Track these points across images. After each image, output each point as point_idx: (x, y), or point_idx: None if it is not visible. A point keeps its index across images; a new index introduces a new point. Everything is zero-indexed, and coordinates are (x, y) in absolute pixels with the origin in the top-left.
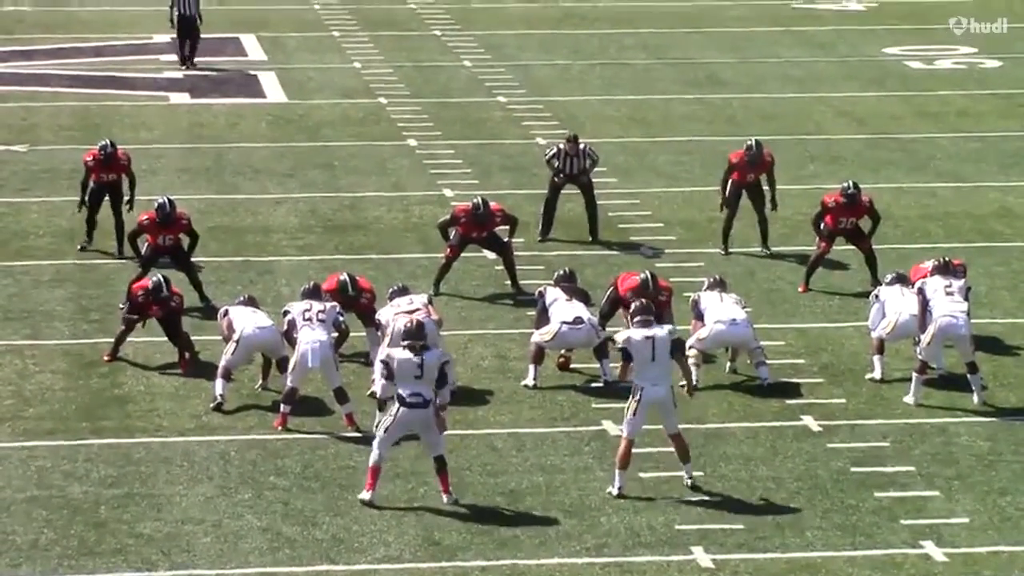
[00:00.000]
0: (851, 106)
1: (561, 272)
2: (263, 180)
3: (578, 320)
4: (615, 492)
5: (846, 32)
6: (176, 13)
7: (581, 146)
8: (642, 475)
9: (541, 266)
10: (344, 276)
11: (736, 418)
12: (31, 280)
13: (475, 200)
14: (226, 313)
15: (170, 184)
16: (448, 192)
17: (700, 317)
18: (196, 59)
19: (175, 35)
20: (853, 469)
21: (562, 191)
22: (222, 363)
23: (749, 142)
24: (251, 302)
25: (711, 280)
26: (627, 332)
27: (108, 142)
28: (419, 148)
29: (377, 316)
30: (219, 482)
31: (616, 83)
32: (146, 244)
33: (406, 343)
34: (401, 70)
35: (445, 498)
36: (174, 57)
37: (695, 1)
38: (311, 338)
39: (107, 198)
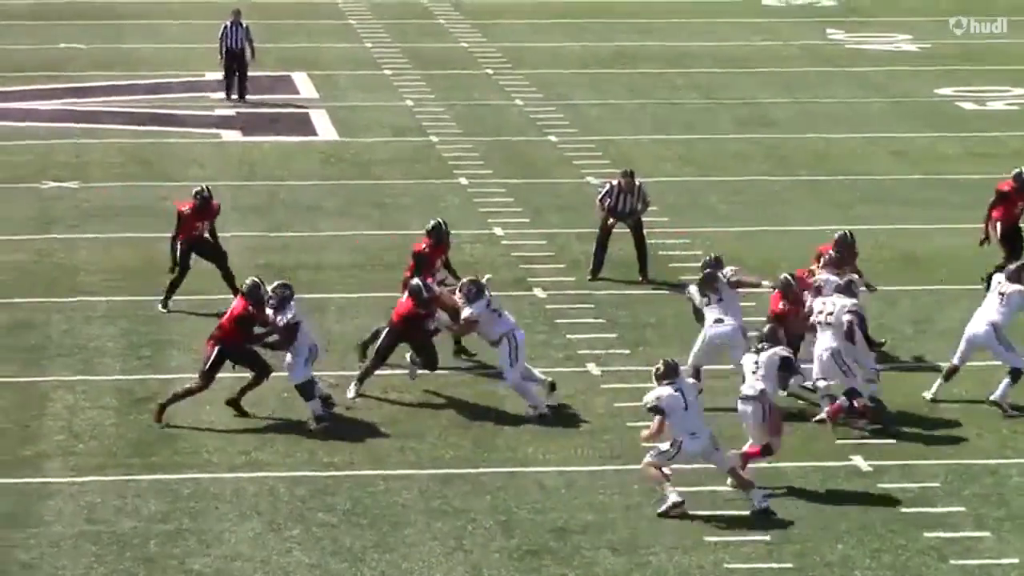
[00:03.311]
0: (903, 146)
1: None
2: (314, 218)
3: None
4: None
5: (898, 72)
6: (224, 47)
7: (637, 183)
8: (693, 513)
9: (591, 304)
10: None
11: (787, 458)
12: (82, 316)
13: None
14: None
15: (222, 222)
16: (499, 231)
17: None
18: (248, 96)
19: (224, 70)
20: (903, 509)
21: (613, 231)
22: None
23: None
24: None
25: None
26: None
27: (204, 187)
28: (470, 186)
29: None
30: (268, 518)
31: (668, 122)
32: (178, 242)
33: None
34: (453, 108)
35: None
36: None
37: (747, 41)
38: None
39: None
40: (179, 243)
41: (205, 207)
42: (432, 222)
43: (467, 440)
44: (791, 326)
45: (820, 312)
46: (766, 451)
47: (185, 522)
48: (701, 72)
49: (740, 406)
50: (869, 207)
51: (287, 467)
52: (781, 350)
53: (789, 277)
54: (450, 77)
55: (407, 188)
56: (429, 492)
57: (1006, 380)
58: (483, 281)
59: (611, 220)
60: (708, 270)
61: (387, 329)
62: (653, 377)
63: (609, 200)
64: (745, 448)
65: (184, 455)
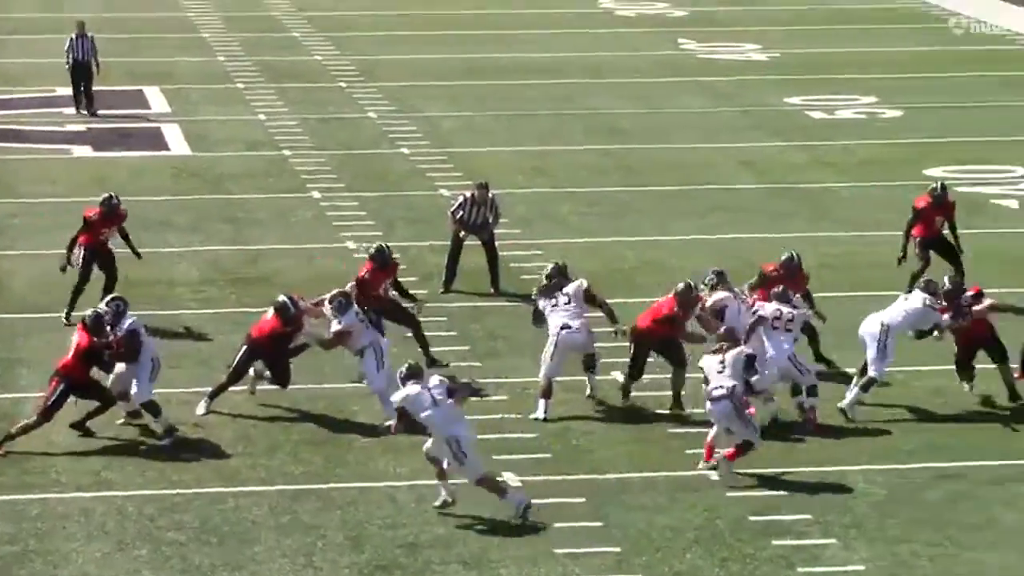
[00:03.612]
0: (753, 156)
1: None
2: (166, 233)
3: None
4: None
5: (748, 82)
6: (71, 58)
7: (490, 195)
8: (541, 525)
9: (444, 317)
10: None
11: (635, 468)
12: None
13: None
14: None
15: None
16: (351, 244)
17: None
18: (99, 111)
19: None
20: (751, 518)
21: (465, 244)
22: None
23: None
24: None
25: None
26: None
27: (112, 194)
28: (323, 200)
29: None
30: (116, 537)
31: (520, 134)
32: (79, 247)
33: None
34: (306, 122)
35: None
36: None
37: (598, 52)
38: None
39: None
40: (82, 249)
41: (112, 213)
42: (375, 246)
43: (319, 455)
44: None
45: (777, 318)
46: (746, 448)
47: (32, 543)
48: (553, 83)
49: (712, 407)
50: (719, 216)
51: (136, 486)
52: (746, 348)
53: (689, 284)
54: (303, 90)
55: (260, 203)
56: (279, 508)
57: (856, 389)
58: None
59: (463, 232)
60: (555, 278)
61: (245, 346)
62: (399, 379)
63: (462, 212)
64: (724, 452)
65: (32, 475)
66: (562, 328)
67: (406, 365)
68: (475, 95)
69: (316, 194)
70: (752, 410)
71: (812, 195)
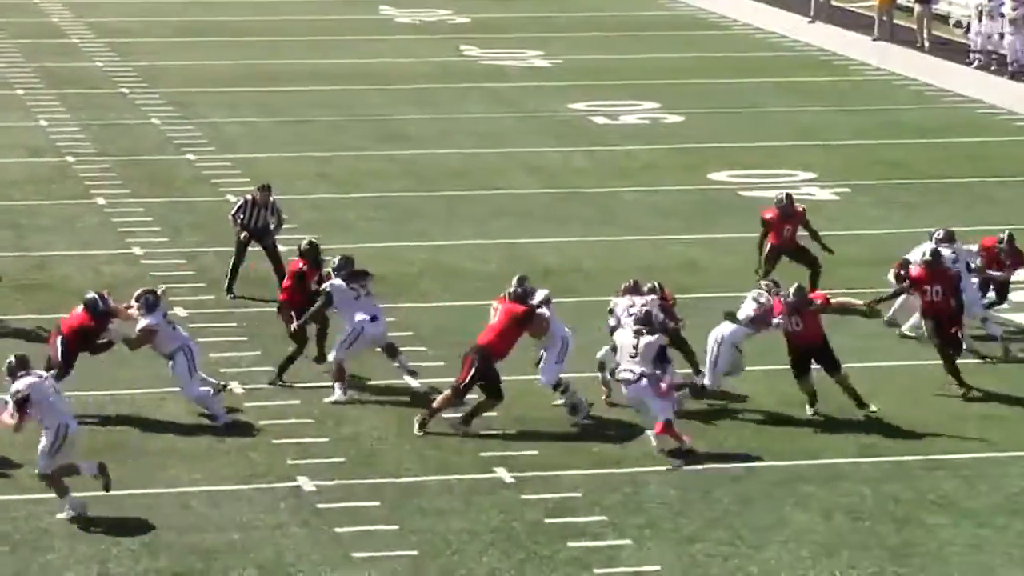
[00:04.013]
0: (538, 161)
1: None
2: None
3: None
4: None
5: (532, 88)
6: None
7: (272, 199)
8: (337, 530)
9: (233, 323)
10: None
11: (430, 471)
12: None
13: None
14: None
15: None
16: (137, 250)
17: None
18: None
19: None
20: (546, 520)
21: (249, 247)
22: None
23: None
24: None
25: None
26: None
27: None
28: (108, 206)
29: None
30: None
31: (304, 140)
32: None
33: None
34: (89, 128)
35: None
36: None
37: (380, 59)
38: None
39: None
40: None
41: None
42: (306, 241)
43: (114, 462)
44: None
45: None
46: (668, 426)
47: None
48: (336, 89)
49: (626, 390)
50: (505, 221)
51: None
52: (662, 338)
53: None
54: (85, 96)
55: (43, 209)
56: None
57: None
58: (159, 292)
59: (245, 235)
60: (352, 269)
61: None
62: (6, 373)
63: (243, 216)
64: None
65: None
66: (371, 320)
67: (13, 357)
68: (258, 101)
69: (101, 200)
70: (665, 386)
71: (597, 199)
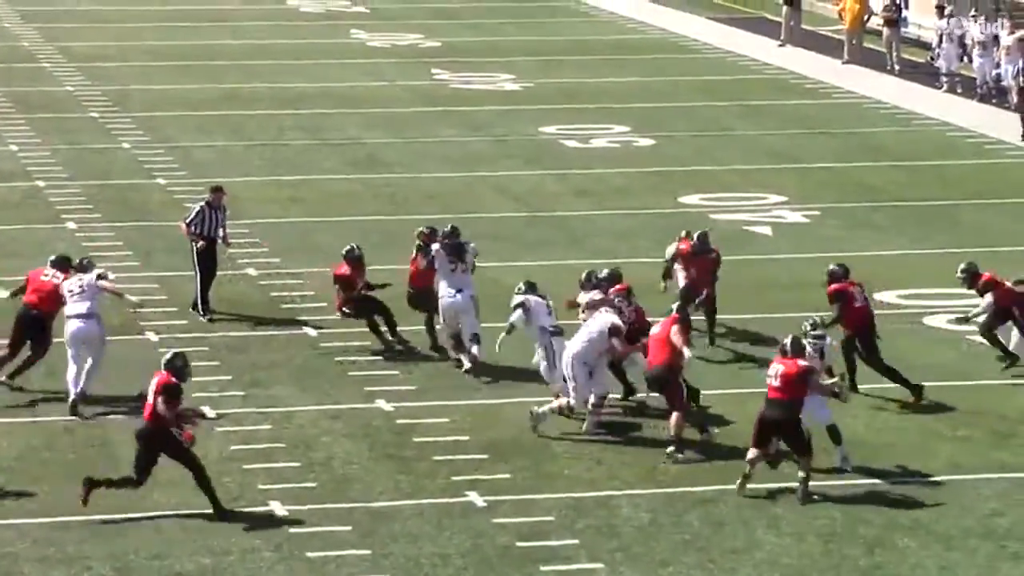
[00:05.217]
0: (509, 184)
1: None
2: None
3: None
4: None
5: (503, 112)
6: None
7: (224, 199)
8: (309, 554)
9: (206, 347)
10: None
11: (403, 496)
12: None
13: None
14: None
15: None
16: (110, 276)
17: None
18: None
19: None
20: (519, 544)
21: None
22: None
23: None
24: None
25: None
26: None
27: None
28: (79, 231)
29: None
30: None
31: (276, 164)
32: None
33: None
34: (59, 153)
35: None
36: None
37: (352, 82)
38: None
39: None
40: None
41: None
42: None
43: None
44: None
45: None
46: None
47: None
48: (308, 113)
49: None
50: (478, 245)
51: None
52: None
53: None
54: (55, 121)
55: (14, 234)
56: (42, 541)
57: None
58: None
59: (201, 243)
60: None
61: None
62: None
63: (197, 223)
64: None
65: None
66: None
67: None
68: (229, 125)
69: (72, 224)
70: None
71: (568, 223)
